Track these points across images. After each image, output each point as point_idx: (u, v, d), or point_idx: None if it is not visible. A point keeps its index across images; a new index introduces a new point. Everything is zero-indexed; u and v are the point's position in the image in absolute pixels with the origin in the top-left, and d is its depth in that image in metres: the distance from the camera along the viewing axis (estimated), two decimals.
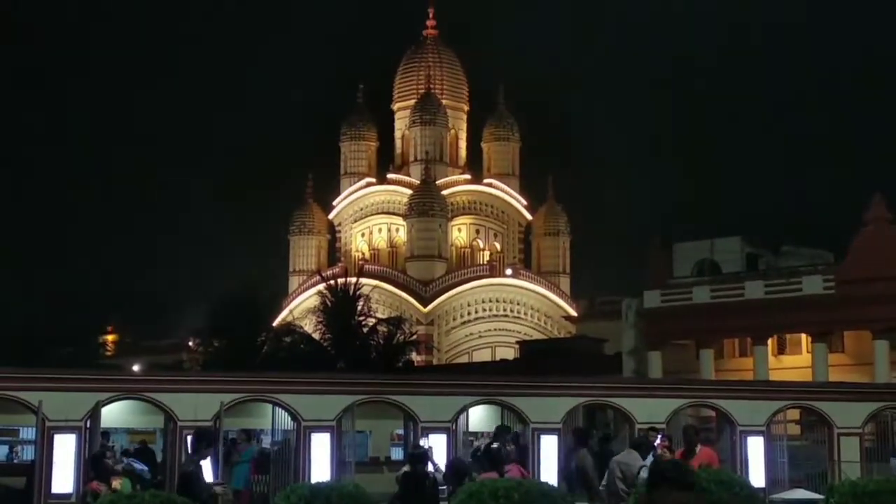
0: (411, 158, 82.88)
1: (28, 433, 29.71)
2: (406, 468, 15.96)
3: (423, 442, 24.94)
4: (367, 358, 49.12)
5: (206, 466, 14.24)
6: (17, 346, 42.93)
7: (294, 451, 28.43)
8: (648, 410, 30.18)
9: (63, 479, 26.59)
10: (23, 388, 26.91)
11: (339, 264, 77.57)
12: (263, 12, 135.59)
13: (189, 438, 25.60)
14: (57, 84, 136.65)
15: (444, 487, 16.78)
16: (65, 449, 26.71)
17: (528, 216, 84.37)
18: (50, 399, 26.59)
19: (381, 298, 70.30)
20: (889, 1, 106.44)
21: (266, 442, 31.22)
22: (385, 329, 52.38)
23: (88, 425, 27.02)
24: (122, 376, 33.44)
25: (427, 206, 77.57)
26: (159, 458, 29.56)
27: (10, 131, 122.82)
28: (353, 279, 55.42)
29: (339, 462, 27.78)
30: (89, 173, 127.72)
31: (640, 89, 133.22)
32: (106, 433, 30.11)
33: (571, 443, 22.19)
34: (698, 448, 15.67)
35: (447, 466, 15.41)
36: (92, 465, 13.64)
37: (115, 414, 28.48)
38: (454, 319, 77.64)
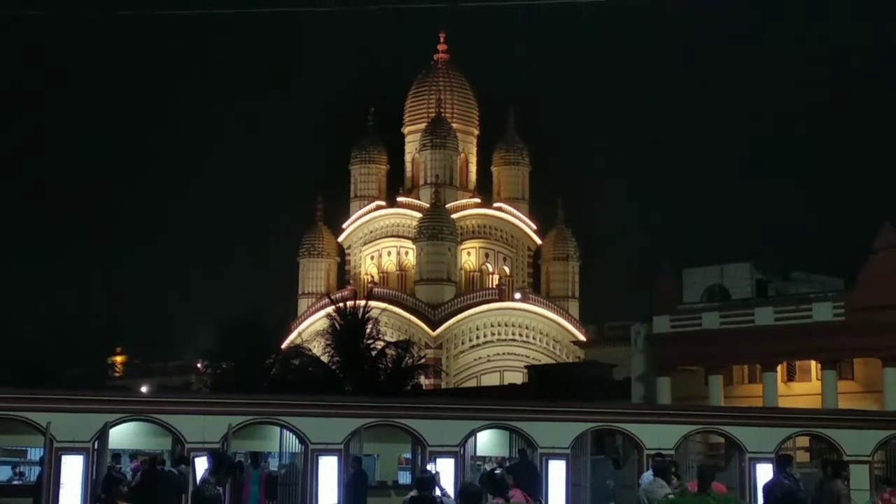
0: (421, 182, 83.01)
1: (36, 454, 29.69)
2: (413, 493, 15.91)
3: (429, 467, 24.89)
4: (376, 381, 49.03)
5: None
6: (25, 366, 42.97)
7: (301, 475, 28.37)
8: (657, 436, 30.08)
9: (70, 500, 26.56)
10: (31, 408, 26.92)
11: (349, 287, 77.57)
12: (276, 35, 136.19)
13: (196, 460, 25.60)
14: (75, 104, 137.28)
15: None
16: (72, 470, 26.71)
17: (538, 240, 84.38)
18: (58, 420, 26.60)
19: (389, 321, 70.26)
20: None
21: (273, 465, 31.17)
22: (393, 352, 52.30)
23: (96, 447, 27.01)
24: (130, 398, 33.45)
25: (437, 230, 77.63)
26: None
27: (24, 151, 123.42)
28: (362, 302, 55.37)
29: (346, 486, 27.66)
30: (100, 194, 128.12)
31: (652, 114, 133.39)
32: (117, 454, 30.11)
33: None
34: (712, 485, 15.59)
35: (457, 493, 15.33)
36: (103, 486, 13.61)
37: (123, 435, 28.45)
38: (463, 343, 77.55)
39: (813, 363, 48.97)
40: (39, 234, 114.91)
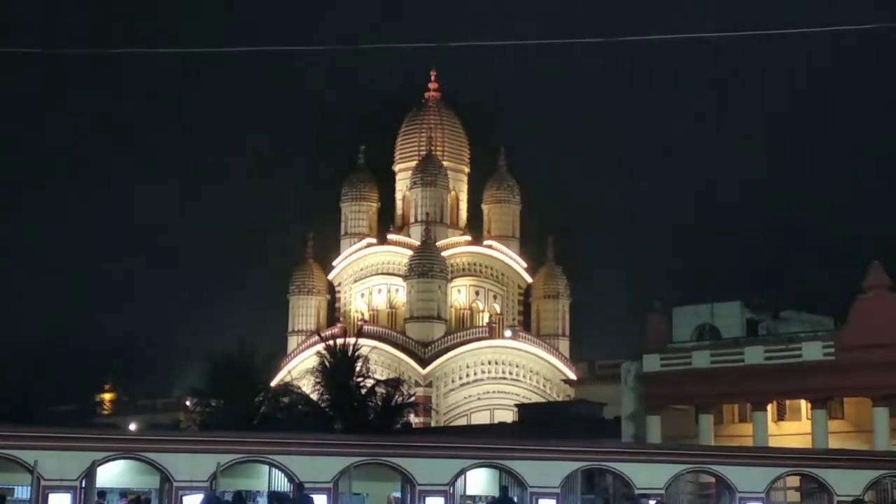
0: (412, 219, 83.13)
1: (23, 492, 29.47)
2: None
3: None
4: (366, 419, 48.88)
5: None
6: (13, 403, 42.75)
7: None
8: (647, 475, 30.07)
9: None
10: (18, 446, 26.80)
11: (339, 324, 77.47)
12: (266, 71, 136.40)
13: (185, 499, 25.47)
14: (54, 131, 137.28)
15: None
16: None
17: (528, 278, 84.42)
18: (45, 458, 26.48)
19: (379, 359, 70.16)
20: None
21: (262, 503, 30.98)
22: (383, 390, 52.18)
23: (84, 485, 26.86)
24: (118, 436, 33.27)
25: (427, 268, 77.66)
26: None
27: (6, 181, 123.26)
28: (352, 340, 55.27)
29: None
30: (84, 229, 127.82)
31: (641, 153, 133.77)
32: (102, 493, 29.92)
33: None
34: None
35: None
36: None
37: (110, 474, 28.31)
38: (453, 381, 77.40)
39: (803, 402, 48.94)
40: (24, 267, 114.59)
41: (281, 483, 28.96)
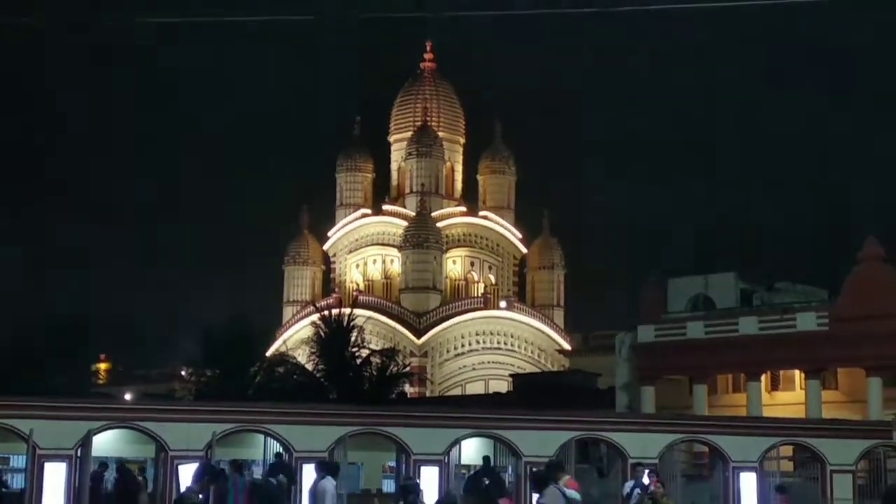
0: (407, 190, 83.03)
1: (19, 461, 29.58)
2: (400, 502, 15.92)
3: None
4: (360, 389, 48.95)
5: None
6: (8, 374, 42.73)
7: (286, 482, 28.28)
8: (641, 445, 30.18)
9: None
10: (14, 416, 26.84)
11: (334, 295, 77.48)
12: (261, 44, 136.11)
13: (180, 468, 25.56)
14: (54, 108, 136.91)
15: None
16: (55, 477, 26.60)
17: (523, 249, 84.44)
18: (41, 427, 26.52)
19: (374, 330, 70.24)
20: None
21: (257, 473, 31.08)
22: (378, 360, 52.23)
23: (79, 454, 26.92)
24: (113, 405, 33.34)
25: (422, 238, 77.66)
26: (150, 488, 29.43)
27: (6, 156, 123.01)
28: (347, 310, 55.29)
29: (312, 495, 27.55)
30: (83, 200, 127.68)
31: (638, 123, 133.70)
32: (104, 462, 30.01)
33: None
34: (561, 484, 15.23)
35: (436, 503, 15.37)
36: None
37: (106, 443, 28.37)
38: (448, 351, 77.55)
39: (797, 373, 49.11)
40: (19, 239, 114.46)
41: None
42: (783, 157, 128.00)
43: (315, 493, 22.25)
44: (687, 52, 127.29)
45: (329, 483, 21.27)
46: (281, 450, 28.78)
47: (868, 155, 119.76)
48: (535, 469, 28.19)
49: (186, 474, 22.40)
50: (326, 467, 22.89)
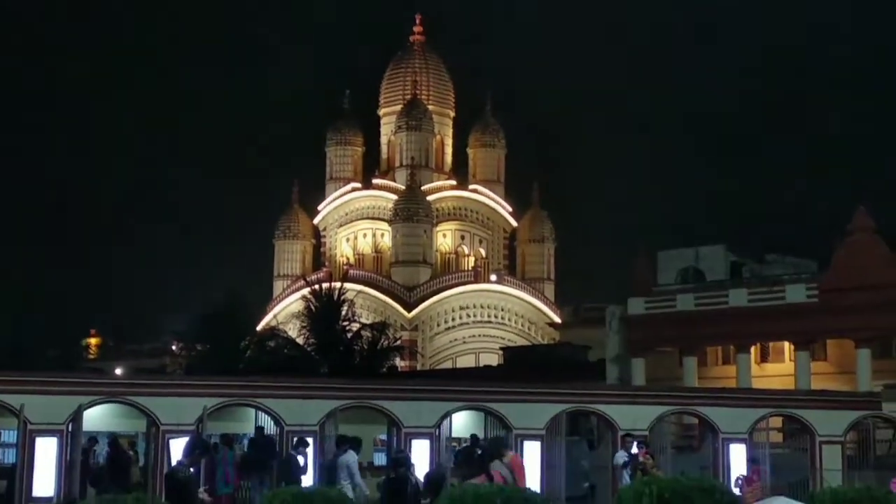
0: (397, 164, 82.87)
1: (9, 436, 29.57)
2: (390, 473, 15.96)
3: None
4: (351, 363, 49.02)
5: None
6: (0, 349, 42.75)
7: (277, 456, 28.36)
8: (631, 417, 30.25)
9: (44, 482, 26.49)
10: (4, 390, 26.83)
11: (324, 269, 77.45)
12: (250, 17, 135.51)
13: (171, 442, 25.60)
14: (42, 85, 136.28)
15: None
16: (46, 452, 26.62)
17: (514, 222, 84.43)
18: (32, 402, 26.52)
19: (365, 303, 70.27)
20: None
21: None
22: (369, 334, 52.30)
23: (71, 429, 26.94)
24: (104, 380, 33.36)
25: (412, 212, 77.59)
26: (142, 462, 29.46)
27: None
28: (338, 284, 55.33)
29: (323, 467, 27.68)
30: (73, 175, 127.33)
31: (628, 97, 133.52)
32: (94, 437, 30.02)
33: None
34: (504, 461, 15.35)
35: (425, 478, 15.43)
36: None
37: (97, 418, 28.39)
38: (438, 325, 77.64)
39: (786, 344, 49.29)
40: (9, 214, 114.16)
41: (268, 427, 29.10)
42: (772, 127, 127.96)
43: (337, 467, 22.43)
44: (682, 21, 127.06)
45: (351, 456, 21.41)
46: (263, 424, 28.92)
47: (859, 125, 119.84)
48: (481, 442, 28.38)
49: (177, 448, 22.47)
50: (348, 441, 23.09)
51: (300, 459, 24.86)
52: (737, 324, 48.06)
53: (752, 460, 27.72)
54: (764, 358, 50.61)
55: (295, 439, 26.60)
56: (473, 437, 29.97)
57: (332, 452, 25.79)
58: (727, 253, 52.83)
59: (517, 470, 15.02)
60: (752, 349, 49.28)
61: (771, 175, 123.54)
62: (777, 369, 49.31)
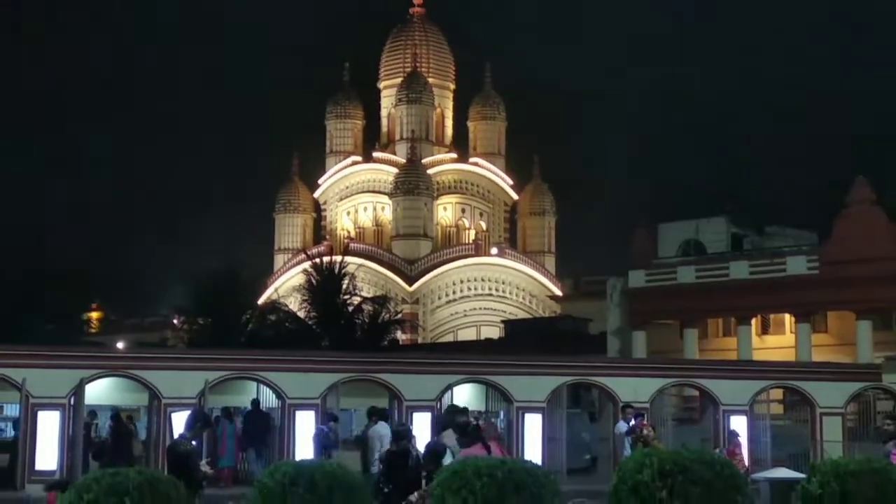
0: (397, 137, 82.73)
1: (12, 410, 29.68)
2: (391, 447, 16.00)
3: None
4: (352, 336, 49.06)
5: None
6: (1, 323, 42.73)
7: (278, 429, 28.47)
8: (632, 390, 30.33)
9: (47, 455, 26.59)
10: (7, 364, 26.90)
11: (325, 242, 77.44)
12: None
13: (173, 415, 25.65)
14: (41, 52, 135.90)
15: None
16: (49, 426, 26.71)
17: (514, 196, 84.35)
18: (34, 376, 26.60)
19: (366, 277, 70.29)
20: None
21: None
22: (370, 308, 52.32)
23: (73, 402, 27.02)
24: (106, 354, 33.46)
25: (413, 185, 77.51)
26: (143, 436, 29.55)
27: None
28: (339, 257, 55.29)
29: (322, 439, 27.77)
30: (72, 148, 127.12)
31: (628, 70, 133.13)
32: (93, 411, 30.10)
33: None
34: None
35: (426, 448, 15.52)
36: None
37: (99, 391, 28.46)
38: (439, 298, 77.70)
39: (787, 316, 49.30)
40: (7, 186, 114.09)
41: (269, 400, 29.18)
42: (775, 98, 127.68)
43: (369, 438, 22.66)
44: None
45: (384, 428, 21.54)
46: (260, 397, 29.04)
47: (860, 92, 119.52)
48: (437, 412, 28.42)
49: (179, 421, 22.54)
50: (379, 413, 23.32)
51: (329, 434, 25.21)
52: (737, 296, 48.05)
53: (732, 433, 27.82)
54: (765, 330, 50.65)
55: (326, 414, 26.94)
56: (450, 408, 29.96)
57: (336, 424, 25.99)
58: (728, 225, 52.77)
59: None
60: (753, 321, 49.29)
61: (771, 146, 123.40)
62: (778, 341, 49.35)
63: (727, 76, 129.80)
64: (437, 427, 16.38)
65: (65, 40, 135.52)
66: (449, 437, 15.49)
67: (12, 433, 30.74)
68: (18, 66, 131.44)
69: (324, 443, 24.72)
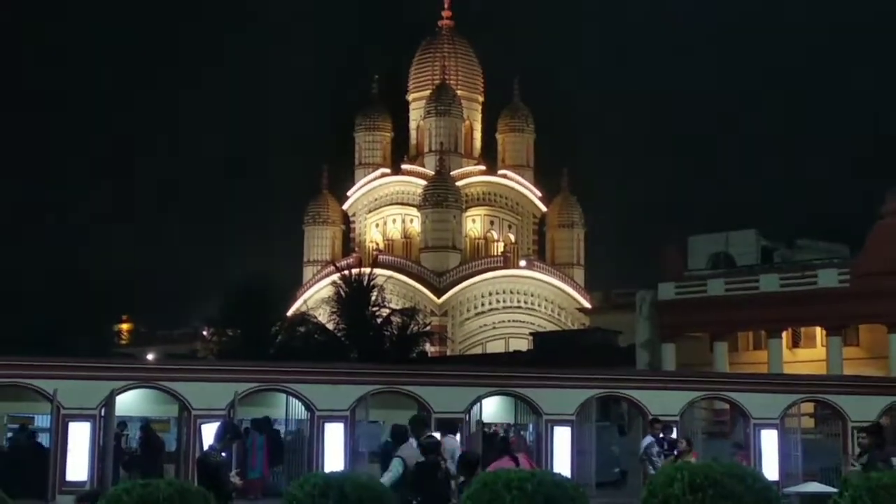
0: (426, 149, 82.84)
1: (43, 421, 29.85)
2: (420, 459, 15.96)
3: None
4: (381, 348, 49.17)
5: None
6: (32, 334, 43.06)
7: (308, 441, 28.50)
8: (662, 403, 30.18)
9: (78, 466, 26.71)
10: (38, 375, 27.06)
11: (354, 255, 77.60)
12: (279, 1, 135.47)
13: (203, 427, 25.73)
14: (67, 63, 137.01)
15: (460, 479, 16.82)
16: (80, 437, 26.84)
17: (543, 208, 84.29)
18: (65, 387, 26.74)
19: (394, 289, 70.37)
20: None
21: (280, 432, 31.30)
22: (399, 319, 52.43)
23: (103, 413, 27.14)
24: (136, 365, 33.61)
25: (441, 197, 77.57)
26: (172, 447, 29.64)
27: (29, 116, 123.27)
28: (367, 270, 55.43)
29: (352, 452, 27.83)
30: (104, 160, 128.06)
31: (656, 82, 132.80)
32: (123, 422, 30.24)
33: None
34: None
35: (460, 458, 15.49)
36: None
37: (129, 403, 28.59)
38: (468, 310, 77.65)
39: (818, 329, 49.02)
40: (42, 200, 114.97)
41: (298, 411, 29.23)
42: (803, 112, 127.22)
43: (443, 451, 22.59)
44: (706, 10, 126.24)
45: (454, 441, 21.48)
46: (307, 408, 29.00)
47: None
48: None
49: (209, 433, 22.62)
50: (449, 425, 23.21)
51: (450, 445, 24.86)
52: (768, 309, 47.81)
53: (736, 445, 27.49)
54: (795, 343, 50.37)
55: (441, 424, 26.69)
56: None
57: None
58: (758, 238, 52.56)
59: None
60: (784, 334, 49.04)
61: (801, 158, 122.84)
62: (809, 354, 49.06)
63: (758, 87, 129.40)
64: (395, 439, 16.39)
65: (116, 47, 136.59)
66: (408, 448, 15.50)
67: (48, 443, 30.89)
68: (75, 71, 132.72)
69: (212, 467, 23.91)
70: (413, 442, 15.63)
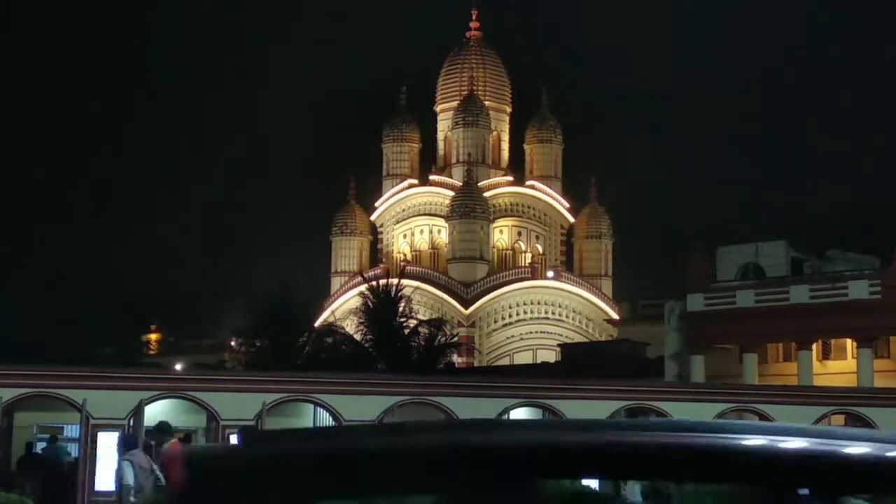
0: (453, 160, 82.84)
1: (73, 430, 29.98)
2: None
3: None
4: (409, 359, 49.11)
5: None
6: (61, 344, 43.34)
7: None
8: (690, 415, 30.01)
9: (106, 476, 26.78)
10: (68, 385, 27.21)
11: (381, 265, 77.65)
12: (309, 12, 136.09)
13: (231, 437, 25.74)
14: (86, 89, 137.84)
15: None
16: (109, 447, 26.91)
17: (571, 218, 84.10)
18: (94, 397, 26.87)
19: (422, 300, 70.34)
20: None
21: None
22: (426, 330, 52.37)
23: (132, 423, 27.24)
24: (165, 375, 33.76)
25: (469, 208, 77.54)
26: None
27: (54, 126, 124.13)
28: (395, 280, 55.43)
29: None
30: (132, 170, 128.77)
31: (685, 92, 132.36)
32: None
33: None
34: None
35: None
36: None
37: (158, 413, 28.65)
38: (495, 321, 77.53)
39: (848, 341, 48.67)
40: (71, 210, 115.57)
41: (326, 421, 29.23)
42: (836, 122, 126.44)
43: None
44: (740, 14, 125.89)
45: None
46: (334, 418, 28.98)
47: None
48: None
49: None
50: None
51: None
52: (798, 321, 47.51)
53: None
54: (826, 355, 50.02)
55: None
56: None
57: None
58: (788, 249, 52.28)
59: (170, 461, 14.79)
60: (814, 346, 48.71)
61: (831, 169, 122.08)
62: (839, 367, 48.71)
63: (787, 97, 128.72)
64: (124, 446, 16.26)
65: (144, 53, 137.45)
66: (138, 455, 15.46)
67: (74, 454, 31.01)
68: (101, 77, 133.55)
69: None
70: (138, 451, 15.47)
